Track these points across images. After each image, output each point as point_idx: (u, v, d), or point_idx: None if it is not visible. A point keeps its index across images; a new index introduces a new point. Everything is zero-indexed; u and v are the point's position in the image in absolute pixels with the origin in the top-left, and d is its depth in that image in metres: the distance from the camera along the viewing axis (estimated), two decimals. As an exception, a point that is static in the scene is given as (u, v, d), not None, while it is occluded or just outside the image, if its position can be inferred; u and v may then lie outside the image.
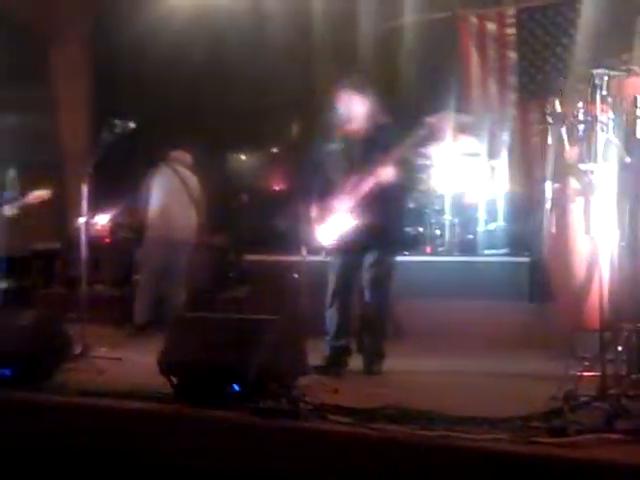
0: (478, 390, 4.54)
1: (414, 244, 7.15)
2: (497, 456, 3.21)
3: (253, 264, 7.61)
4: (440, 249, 7.16)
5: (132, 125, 5.82)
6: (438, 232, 7.25)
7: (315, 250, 5.47)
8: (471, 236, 7.23)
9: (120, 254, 8.52)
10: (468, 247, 7.16)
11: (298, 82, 9.19)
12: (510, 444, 3.26)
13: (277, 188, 9.71)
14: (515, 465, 3.17)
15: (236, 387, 3.91)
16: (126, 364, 5.40)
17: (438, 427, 3.44)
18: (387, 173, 4.97)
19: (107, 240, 8.62)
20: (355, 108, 5.16)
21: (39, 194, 6.46)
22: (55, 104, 10.66)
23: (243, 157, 10.97)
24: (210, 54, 9.36)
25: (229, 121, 9.65)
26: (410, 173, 5.60)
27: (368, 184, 4.98)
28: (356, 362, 5.22)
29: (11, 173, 6.69)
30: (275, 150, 10.62)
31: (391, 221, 5.22)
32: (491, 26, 8.77)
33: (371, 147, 5.07)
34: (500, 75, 8.71)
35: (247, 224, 8.78)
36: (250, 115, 9.50)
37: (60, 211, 10.12)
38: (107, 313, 7.39)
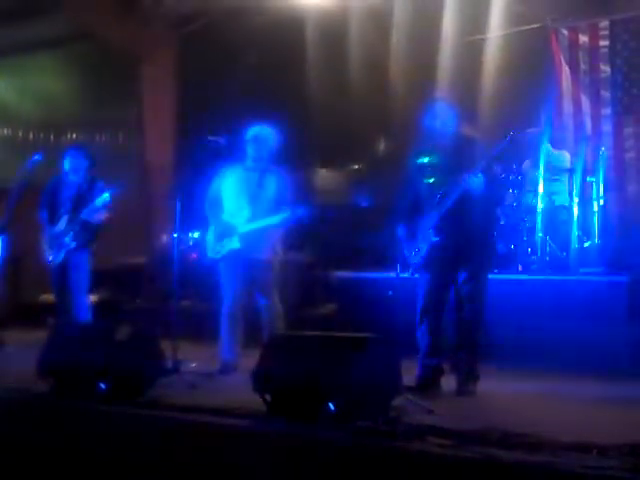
0: (579, 415, 4.37)
1: (505, 262, 6.98)
2: (607, 485, 3.07)
3: (340, 281, 7.55)
4: (532, 267, 6.97)
5: (224, 141, 5.86)
6: (529, 250, 7.06)
7: (404, 267, 5.38)
8: (564, 254, 7.01)
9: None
10: (561, 265, 6.95)
11: (380, 98, 9.13)
12: (621, 472, 3.11)
13: (362, 204, 9.64)
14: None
15: (331, 406, 3.84)
16: (217, 380, 5.42)
17: (543, 452, 3.32)
18: (470, 185, 4.85)
19: (194, 256, 8.70)
20: (446, 122, 5.08)
21: (103, 197, 6.58)
22: (142, 122, 10.87)
23: (325, 173, 10.97)
24: (292, 70, 9.40)
25: (313, 137, 9.67)
26: (497, 187, 5.46)
27: (452, 197, 4.89)
28: (448, 382, 5.12)
29: (100, 184, 6.83)
30: (357, 166, 10.58)
31: (481, 236, 5.11)
32: (583, 38, 8.55)
33: (457, 160, 4.98)
34: (593, 89, 8.49)
35: (333, 241, 8.73)
36: (332, 131, 9.49)
37: (144, 226, 10.31)
38: (193, 329, 7.42)
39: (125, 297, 9.13)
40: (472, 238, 4.98)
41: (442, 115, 5.08)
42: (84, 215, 6.65)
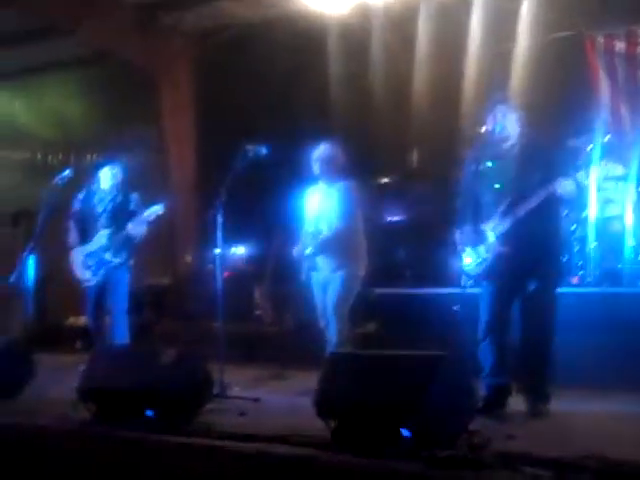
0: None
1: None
2: None
3: (383, 298, 7.24)
4: (587, 279, 6.66)
5: (265, 151, 5.56)
6: (580, 262, 6.77)
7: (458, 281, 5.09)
8: (619, 265, 6.70)
9: (240, 289, 8.27)
10: (615, 277, 6.64)
11: (407, 110, 8.90)
12: None
13: (396, 218, 9.30)
14: None
15: (406, 432, 3.51)
16: (265, 405, 5.09)
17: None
18: (563, 190, 4.56)
19: (226, 274, 8.39)
20: (509, 126, 4.79)
21: (155, 209, 6.23)
22: (164, 139, 10.68)
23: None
24: (315, 82, 9.18)
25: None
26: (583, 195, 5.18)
27: (533, 203, 4.57)
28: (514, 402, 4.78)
29: (135, 196, 6.50)
30: (386, 180, 10.28)
31: (553, 245, 4.81)
32: (620, 45, 8.32)
33: (530, 166, 4.67)
34: (630, 96, 8.24)
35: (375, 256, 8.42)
36: (358, 144, 9.23)
37: (168, 245, 10.05)
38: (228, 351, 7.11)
39: (152, 319, 8.84)
40: (544, 247, 4.67)
41: (503, 119, 4.79)
42: (130, 228, 6.21)
